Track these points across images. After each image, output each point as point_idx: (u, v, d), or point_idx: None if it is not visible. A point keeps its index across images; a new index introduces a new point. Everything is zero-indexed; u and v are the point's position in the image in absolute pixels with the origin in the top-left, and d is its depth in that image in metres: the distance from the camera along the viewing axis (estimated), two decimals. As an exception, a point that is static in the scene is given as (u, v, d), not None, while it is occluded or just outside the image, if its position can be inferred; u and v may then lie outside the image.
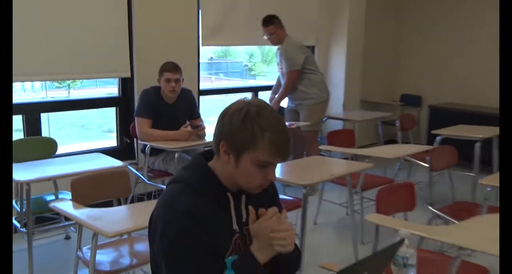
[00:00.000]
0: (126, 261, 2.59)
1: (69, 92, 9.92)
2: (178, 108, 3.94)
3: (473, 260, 2.52)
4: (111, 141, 4.78)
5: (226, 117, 1.47)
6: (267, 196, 1.62)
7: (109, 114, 5.59)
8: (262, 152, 1.43)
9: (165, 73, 3.78)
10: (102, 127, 10.03)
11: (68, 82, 9.32)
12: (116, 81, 4.53)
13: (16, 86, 7.30)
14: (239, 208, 1.56)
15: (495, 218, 2.48)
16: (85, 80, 8.64)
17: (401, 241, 1.46)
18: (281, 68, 4.95)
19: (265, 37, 4.80)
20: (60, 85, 9.60)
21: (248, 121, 1.42)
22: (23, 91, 8.91)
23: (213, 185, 1.52)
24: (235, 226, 1.53)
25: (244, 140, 1.43)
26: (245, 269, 1.42)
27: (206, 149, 1.65)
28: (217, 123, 1.51)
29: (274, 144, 1.43)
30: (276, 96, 4.95)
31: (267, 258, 1.46)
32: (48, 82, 8.40)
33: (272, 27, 4.71)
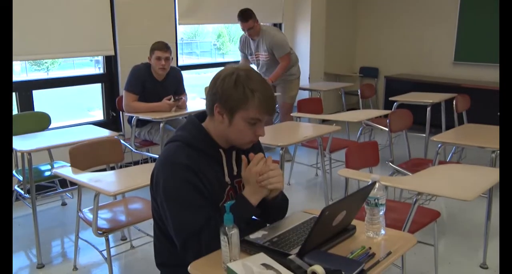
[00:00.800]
0: (122, 219, 2.64)
1: (47, 74, 9.67)
2: (166, 85, 3.91)
3: (427, 206, 2.69)
4: (95, 117, 4.74)
5: (218, 81, 1.50)
6: (254, 152, 1.66)
7: (88, 94, 5.51)
8: (253, 110, 1.48)
9: (156, 52, 3.74)
10: (82, 106, 9.86)
11: (47, 64, 9.11)
12: (92, 62, 4.51)
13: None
14: (230, 162, 1.62)
15: (445, 168, 2.65)
16: (62, 62, 8.44)
17: (373, 184, 1.54)
18: (258, 57, 4.82)
19: (244, 32, 4.64)
20: (39, 68, 9.35)
21: (240, 84, 1.47)
22: (5, 74, 8.64)
23: (207, 142, 1.56)
24: (227, 179, 1.59)
25: (237, 101, 1.47)
26: (240, 210, 1.47)
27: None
28: (210, 88, 1.54)
29: (262, 103, 1.48)
30: (270, 76, 4.64)
31: (258, 201, 1.53)
32: (28, 65, 8.21)
33: (251, 21, 4.50)
